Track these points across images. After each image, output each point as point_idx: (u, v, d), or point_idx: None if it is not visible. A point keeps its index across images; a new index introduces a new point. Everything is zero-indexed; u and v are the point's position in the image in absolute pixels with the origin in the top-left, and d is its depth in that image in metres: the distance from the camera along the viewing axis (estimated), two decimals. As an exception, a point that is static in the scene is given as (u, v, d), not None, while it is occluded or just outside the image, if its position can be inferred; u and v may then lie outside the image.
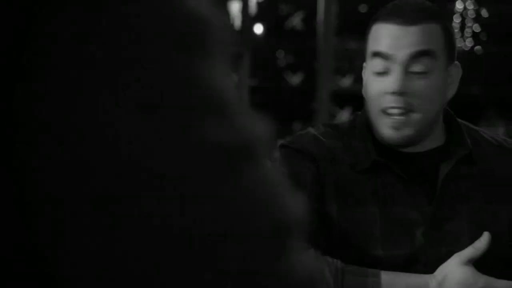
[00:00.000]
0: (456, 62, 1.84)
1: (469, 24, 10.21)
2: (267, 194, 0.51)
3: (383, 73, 1.76)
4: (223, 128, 0.50)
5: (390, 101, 1.74)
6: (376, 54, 1.75)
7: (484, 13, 10.29)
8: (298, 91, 9.18)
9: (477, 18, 10.17)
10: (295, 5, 11.60)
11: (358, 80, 12.13)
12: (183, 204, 0.48)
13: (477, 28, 10.26)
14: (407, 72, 1.73)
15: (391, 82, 1.73)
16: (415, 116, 1.76)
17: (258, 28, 12.42)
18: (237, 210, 0.49)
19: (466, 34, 10.16)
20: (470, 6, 10.08)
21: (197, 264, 0.48)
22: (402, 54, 1.73)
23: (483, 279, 1.68)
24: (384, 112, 1.75)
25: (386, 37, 1.76)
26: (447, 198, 1.81)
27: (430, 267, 1.74)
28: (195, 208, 0.48)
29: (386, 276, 1.69)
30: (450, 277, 1.69)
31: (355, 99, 10.13)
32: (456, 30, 10.52)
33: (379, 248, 1.77)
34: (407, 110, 1.75)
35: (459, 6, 10.17)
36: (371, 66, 1.77)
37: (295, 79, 11.00)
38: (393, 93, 1.73)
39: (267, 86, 11.77)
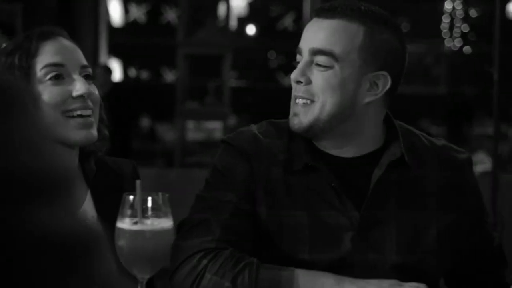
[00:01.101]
0: (385, 72, 1.74)
1: (457, 24, 10.33)
2: None
3: (297, 64, 1.78)
4: None
5: (295, 89, 1.78)
6: (296, 50, 1.80)
7: (473, 13, 10.41)
8: (290, 91, 9.25)
9: (466, 18, 10.29)
10: (287, 6, 11.67)
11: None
12: None
13: (465, 28, 10.38)
14: (310, 63, 1.75)
15: (295, 70, 1.76)
16: (313, 107, 1.75)
17: (250, 29, 12.50)
18: None
19: (455, 34, 10.28)
20: (459, 6, 10.19)
21: None
22: (306, 47, 1.76)
23: None
24: (294, 101, 1.79)
25: (304, 31, 1.79)
26: (377, 203, 1.76)
27: (357, 273, 1.71)
28: None
29: (301, 272, 1.67)
30: None
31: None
32: (445, 31, 10.64)
33: (306, 252, 1.75)
34: (309, 100, 1.76)
35: (447, 6, 10.29)
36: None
37: (287, 80, 11.10)
38: (292, 81, 1.77)
39: (259, 86, 11.81)
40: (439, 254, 1.80)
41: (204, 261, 1.68)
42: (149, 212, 1.47)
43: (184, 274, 1.68)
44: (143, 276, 1.48)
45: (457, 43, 9.66)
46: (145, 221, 1.47)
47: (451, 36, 9.54)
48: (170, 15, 11.24)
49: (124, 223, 1.46)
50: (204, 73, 7.57)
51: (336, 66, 1.72)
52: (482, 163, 7.08)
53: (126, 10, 11.33)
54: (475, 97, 9.51)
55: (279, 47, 11.48)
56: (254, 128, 1.85)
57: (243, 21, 11.28)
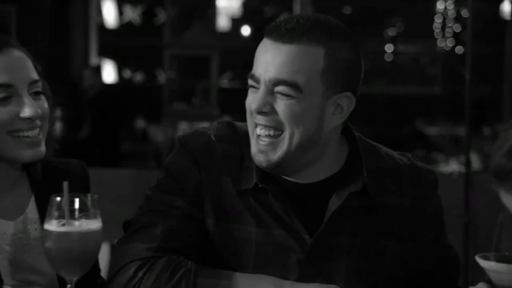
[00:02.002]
0: (349, 93, 1.68)
1: (449, 24, 10.32)
2: None
3: (254, 90, 1.67)
4: None
5: (256, 118, 1.66)
6: (249, 76, 1.67)
7: (465, 13, 10.42)
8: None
9: (458, 18, 10.28)
10: (280, 6, 11.68)
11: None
12: None
13: (457, 28, 10.37)
14: (271, 92, 1.64)
15: (255, 100, 1.66)
16: (280, 142, 1.66)
17: (245, 30, 12.50)
18: None
19: (447, 34, 10.26)
20: (451, 6, 10.18)
21: None
22: (266, 77, 1.64)
23: None
24: (255, 134, 1.68)
25: (259, 56, 1.65)
26: (331, 231, 1.69)
27: None
28: None
29: (240, 279, 1.63)
30: None
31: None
32: (437, 31, 10.64)
33: (250, 268, 1.69)
34: (273, 135, 1.66)
35: (439, 6, 10.29)
36: (249, 82, 1.70)
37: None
38: (253, 111, 1.66)
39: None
40: (390, 282, 1.76)
41: (140, 274, 1.64)
42: (77, 214, 1.47)
43: (121, 282, 1.65)
44: (71, 277, 1.48)
45: (449, 43, 9.67)
46: (73, 223, 1.47)
47: (443, 36, 9.55)
48: (169, 16, 11.25)
49: (51, 225, 1.46)
50: (192, 74, 7.58)
51: (300, 95, 1.63)
52: (471, 163, 7.05)
53: (121, 12, 11.34)
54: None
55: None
56: (212, 129, 1.79)
57: (237, 22, 11.27)
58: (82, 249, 1.46)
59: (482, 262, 1.43)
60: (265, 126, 1.66)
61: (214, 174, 1.72)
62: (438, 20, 10.00)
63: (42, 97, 1.75)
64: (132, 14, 11.73)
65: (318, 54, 1.62)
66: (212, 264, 1.70)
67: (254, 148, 1.69)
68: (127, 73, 11.25)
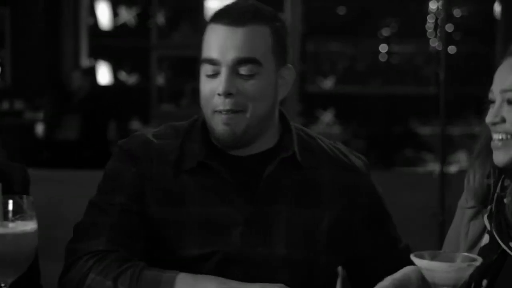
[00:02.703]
0: (289, 65, 1.85)
1: (441, 24, 10.30)
2: None
3: (212, 75, 1.78)
4: None
5: (220, 104, 1.77)
6: (206, 61, 1.79)
7: (457, 12, 10.41)
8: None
9: (450, 18, 10.28)
10: (274, 7, 11.69)
11: (340, 81, 12.00)
12: None
13: (450, 27, 10.37)
14: (235, 74, 1.77)
15: (219, 83, 1.76)
16: (245, 115, 1.77)
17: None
18: None
19: (439, 34, 10.22)
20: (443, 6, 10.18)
21: None
22: (228, 58, 1.76)
23: None
24: (216, 111, 1.78)
25: (214, 41, 1.78)
26: (267, 199, 1.81)
27: (247, 268, 1.76)
28: None
29: (183, 275, 1.68)
30: None
31: (337, 100, 10.12)
32: (430, 31, 10.63)
33: (196, 247, 1.77)
34: (237, 110, 1.77)
35: (432, 6, 10.28)
36: (203, 69, 1.81)
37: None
38: (221, 94, 1.76)
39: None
40: (329, 251, 1.83)
41: (90, 262, 1.71)
42: (11, 216, 1.47)
43: (71, 276, 1.74)
44: (6, 279, 1.48)
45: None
46: (7, 224, 1.47)
47: (435, 36, 9.54)
48: (159, 18, 11.24)
49: (-15, 227, 1.46)
50: (181, 76, 7.58)
51: (260, 71, 1.78)
52: (460, 162, 7.07)
53: (115, 14, 11.35)
54: (461, 97, 9.53)
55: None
56: (149, 131, 1.89)
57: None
58: (16, 251, 1.46)
59: (416, 260, 1.44)
60: (232, 110, 1.77)
61: (153, 165, 1.82)
62: (430, 20, 10.00)
63: None
64: (128, 15, 11.74)
65: (266, 32, 1.79)
66: (159, 251, 1.78)
67: (218, 124, 1.79)
68: (119, 75, 11.25)
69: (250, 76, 1.77)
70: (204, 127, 1.85)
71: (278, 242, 1.79)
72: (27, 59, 8.83)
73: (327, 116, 10.60)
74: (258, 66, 1.77)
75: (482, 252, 1.70)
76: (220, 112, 1.78)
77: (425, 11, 10.22)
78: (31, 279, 1.78)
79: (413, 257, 1.44)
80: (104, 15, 10.76)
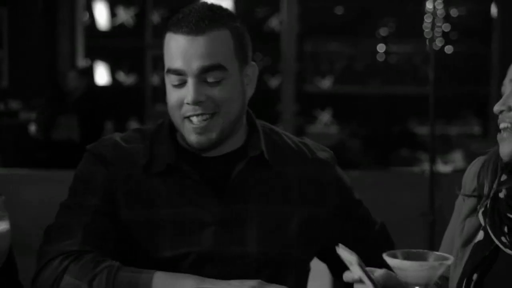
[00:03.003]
0: (253, 62, 1.86)
1: (438, 24, 10.32)
2: None
3: (179, 85, 1.78)
4: None
5: (189, 110, 1.77)
6: (170, 71, 1.78)
7: (454, 12, 10.41)
8: (277, 93, 9.24)
9: (447, 18, 10.29)
10: (271, 7, 11.68)
11: (338, 81, 11.98)
12: None
13: (446, 27, 10.39)
14: (201, 81, 1.77)
15: (187, 92, 1.77)
16: (216, 121, 1.79)
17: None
18: None
19: (436, 34, 10.25)
20: (440, 6, 10.17)
21: None
22: (193, 68, 1.75)
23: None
24: (187, 119, 1.79)
25: (176, 51, 1.76)
26: (237, 198, 1.82)
27: (220, 267, 1.78)
28: None
29: (160, 274, 1.69)
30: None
31: (335, 100, 10.10)
32: (427, 30, 10.64)
33: (168, 249, 1.78)
34: (208, 117, 1.78)
35: (428, 6, 10.26)
36: (168, 79, 1.80)
37: (273, 81, 11.08)
38: (190, 104, 1.77)
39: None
40: (301, 246, 1.86)
41: (65, 263, 1.71)
42: (-18, 216, 1.47)
43: (45, 276, 1.72)
44: (-23, 279, 1.48)
45: (439, 42, 9.66)
46: (-22, 225, 1.47)
47: (432, 36, 9.54)
48: (155, 17, 11.24)
49: (-44, 227, 1.46)
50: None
51: (226, 76, 1.79)
52: (454, 162, 7.06)
53: (113, 14, 11.35)
54: (458, 96, 9.54)
55: (265, 49, 11.50)
56: (117, 135, 1.91)
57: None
58: (-13, 251, 1.46)
59: (388, 260, 1.44)
60: (202, 114, 1.78)
61: (122, 168, 1.83)
62: (427, 20, 9.99)
63: None
64: (125, 16, 11.74)
65: (227, 36, 1.78)
66: (131, 254, 1.79)
67: (190, 133, 1.80)
68: (117, 75, 11.26)
69: (217, 83, 1.78)
70: (171, 129, 1.87)
71: (250, 240, 1.81)
72: (25, 59, 8.85)
73: (325, 116, 10.61)
74: (224, 71, 1.78)
75: (476, 248, 1.71)
76: (191, 121, 1.78)
77: (423, 11, 10.22)
78: (10, 276, 1.79)
79: (385, 256, 1.44)
80: (101, 16, 10.77)
